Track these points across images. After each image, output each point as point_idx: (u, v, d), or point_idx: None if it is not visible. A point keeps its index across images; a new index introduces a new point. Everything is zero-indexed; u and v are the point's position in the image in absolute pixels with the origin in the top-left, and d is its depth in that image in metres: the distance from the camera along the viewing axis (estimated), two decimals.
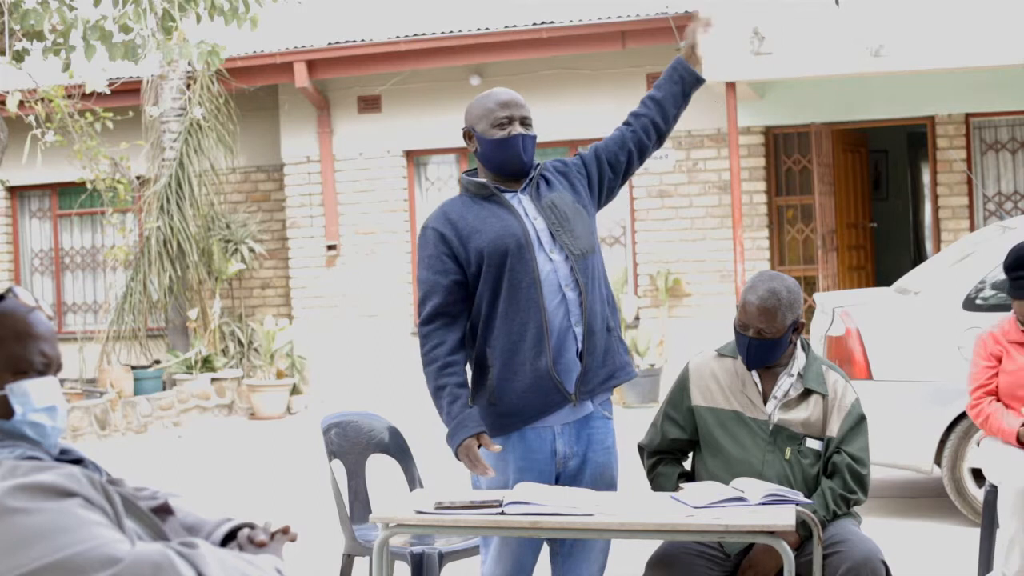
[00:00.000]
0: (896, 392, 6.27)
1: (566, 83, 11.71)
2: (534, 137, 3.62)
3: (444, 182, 12.33)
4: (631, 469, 4.20)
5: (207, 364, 11.94)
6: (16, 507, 1.86)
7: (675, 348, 11.29)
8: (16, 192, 13.91)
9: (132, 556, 1.87)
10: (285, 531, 2.26)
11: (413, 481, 4.48)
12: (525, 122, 3.59)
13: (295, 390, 12.20)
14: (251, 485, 8.28)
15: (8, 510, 1.86)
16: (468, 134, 3.66)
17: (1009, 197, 11.02)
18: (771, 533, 3.18)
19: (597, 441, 3.61)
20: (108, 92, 9.63)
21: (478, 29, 11.55)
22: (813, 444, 3.69)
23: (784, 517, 3.20)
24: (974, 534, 5.04)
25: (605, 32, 11.21)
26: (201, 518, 2.28)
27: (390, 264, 12.25)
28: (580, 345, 3.52)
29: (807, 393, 3.72)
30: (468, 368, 3.65)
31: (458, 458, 3.50)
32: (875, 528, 4.63)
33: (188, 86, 11.97)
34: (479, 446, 3.46)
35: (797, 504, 3.35)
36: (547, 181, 3.67)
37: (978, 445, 5.33)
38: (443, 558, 4.05)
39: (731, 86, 10.17)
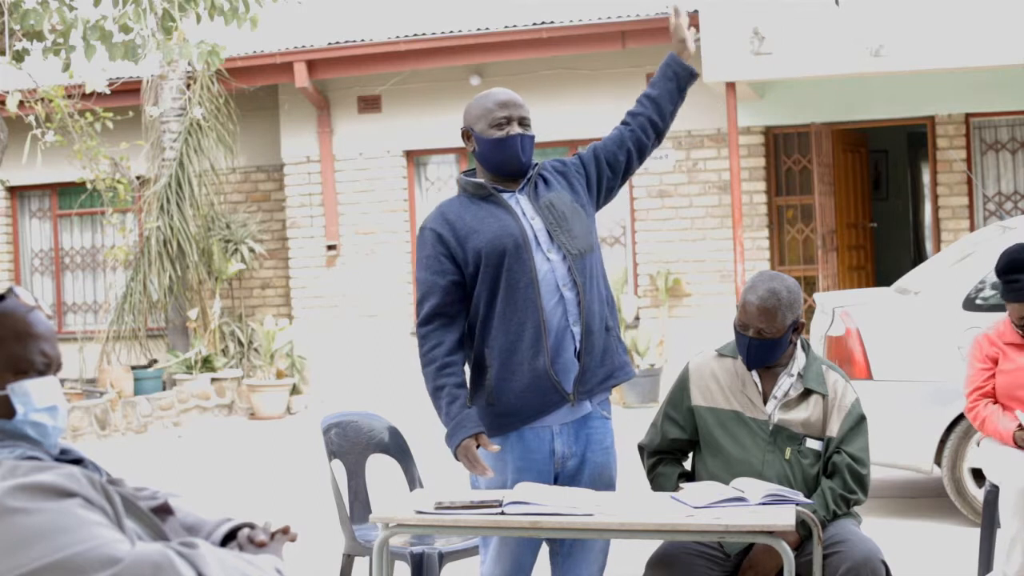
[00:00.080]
0: (896, 392, 6.27)
1: (566, 83, 11.71)
2: (532, 137, 3.62)
3: (444, 182, 12.33)
4: (631, 469, 4.20)
5: (207, 364, 11.94)
6: (16, 507, 1.86)
7: (675, 348, 11.29)
8: (16, 192, 13.91)
9: (132, 556, 1.87)
10: (285, 531, 2.26)
11: (413, 481, 4.48)
12: (524, 122, 3.59)
13: (295, 390, 12.20)
14: (251, 485, 8.28)
15: (8, 510, 1.86)
16: (467, 134, 3.67)
17: (1009, 197, 11.02)
18: (771, 533, 3.18)
19: (596, 441, 3.61)
20: (108, 92, 9.63)
21: (478, 29, 11.55)
22: (813, 444, 3.69)
23: (784, 517, 3.20)
24: (974, 534, 5.04)
25: (605, 32, 11.21)
26: (201, 518, 2.28)
27: (390, 264, 12.25)
28: (578, 345, 3.52)
29: (807, 393, 3.72)
30: (467, 368, 3.65)
31: (457, 458, 3.50)
32: (875, 528, 4.63)
33: (188, 86, 11.97)
34: (477, 446, 3.46)
35: (797, 504, 3.35)
36: (545, 181, 3.67)
37: (978, 445, 5.33)
38: (443, 558, 4.05)
39: (731, 86, 10.17)
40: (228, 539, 2.25)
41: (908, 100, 10.86)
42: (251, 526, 2.27)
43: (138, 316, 12.25)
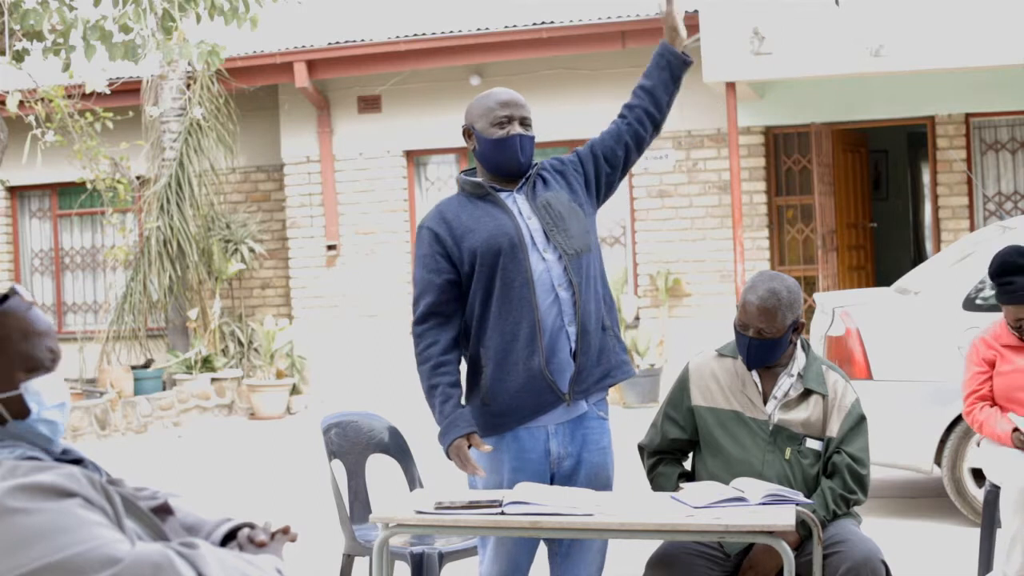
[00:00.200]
0: (896, 392, 6.27)
1: (566, 83, 11.71)
2: (532, 138, 3.62)
3: (444, 182, 12.32)
4: (631, 469, 4.20)
5: (207, 364, 11.94)
6: (16, 507, 1.86)
7: (675, 348, 11.29)
8: (16, 192, 13.90)
9: (132, 556, 1.87)
10: (285, 531, 2.25)
11: (413, 481, 4.48)
12: (524, 122, 3.59)
13: (295, 390, 12.20)
14: (251, 485, 8.28)
15: (8, 510, 1.85)
16: (468, 132, 3.67)
17: (1009, 197, 11.02)
18: (771, 533, 3.18)
19: (592, 441, 3.61)
20: (108, 92, 9.63)
21: (478, 29, 11.55)
22: (813, 444, 3.69)
23: (784, 517, 3.20)
24: (974, 534, 5.04)
25: (605, 32, 11.21)
26: (201, 518, 2.28)
27: (390, 264, 12.25)
28: (573, 345, 3.52)
29: (807, 393, 3.72)
30: (463, 367, 3.66)
31: (449, 457, 3.50)
32: (875, 528, 4.63)
33: (188, 86, 11.97)
34: (469, 446, 3.46)
35: (797, 504, 3.35)
36: (544, 180, 3.67)
37: (978, 445, 5.33)
38: (443, 558, 4.05)
39: (731, 86, 10.17)
40: (228, 539, 2.25)
41: (908, 100, 10.86)
42: (251, 526, 2.27)
43: (138, 316, 12.25)
